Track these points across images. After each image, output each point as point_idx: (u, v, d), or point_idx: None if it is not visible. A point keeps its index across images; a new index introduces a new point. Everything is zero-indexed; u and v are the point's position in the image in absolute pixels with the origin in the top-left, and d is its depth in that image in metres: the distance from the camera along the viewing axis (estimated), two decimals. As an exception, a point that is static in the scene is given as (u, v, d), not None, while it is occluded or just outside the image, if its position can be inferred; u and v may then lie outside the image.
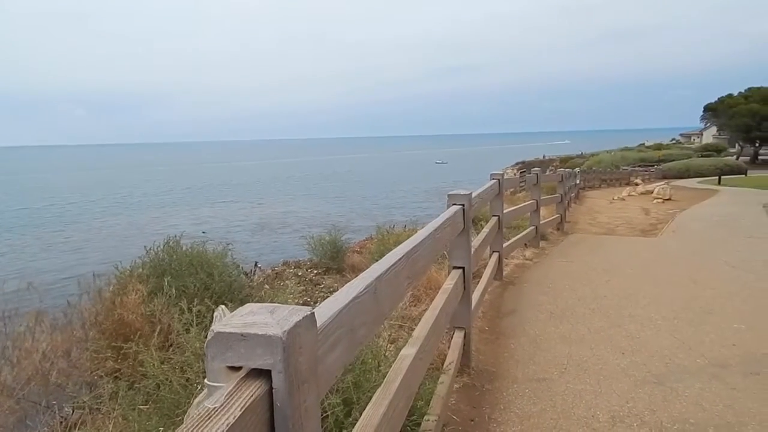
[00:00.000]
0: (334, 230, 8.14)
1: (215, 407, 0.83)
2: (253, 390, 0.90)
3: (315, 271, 7.59)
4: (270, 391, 0.93)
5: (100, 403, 2.63)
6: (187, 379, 2.10)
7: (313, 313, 1.05)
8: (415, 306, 4.53)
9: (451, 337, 3.46)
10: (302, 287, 5.72)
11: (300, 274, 7.32)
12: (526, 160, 40.95)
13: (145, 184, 54.97)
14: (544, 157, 42.04)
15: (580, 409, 3.02)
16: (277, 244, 20.50)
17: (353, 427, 1.65)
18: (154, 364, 2.12)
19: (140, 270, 4.18)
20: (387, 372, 2.46)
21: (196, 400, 1.04)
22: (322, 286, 6.39)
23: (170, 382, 2.05)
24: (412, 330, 3.84)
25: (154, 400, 2.22)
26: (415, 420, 2.42)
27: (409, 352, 2.14)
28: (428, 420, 2.41)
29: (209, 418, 0.81)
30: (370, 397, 2.20)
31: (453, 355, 3.23)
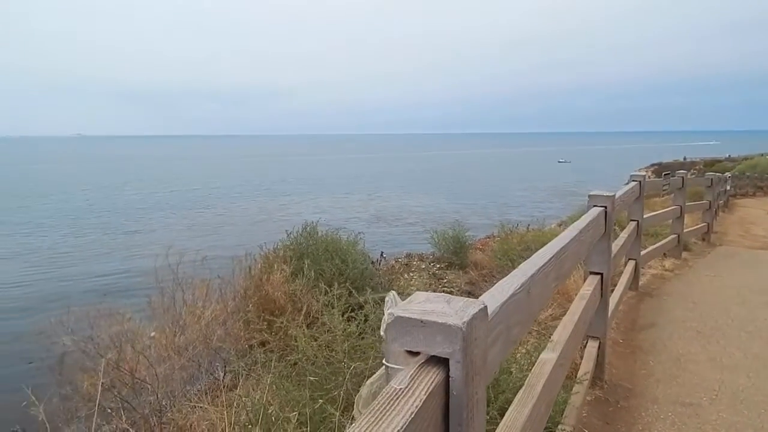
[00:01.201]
0: (457, 226, 8.06)
1: (401, 388, 0.87)
2: (433, 376, 0.92)
3: (438, 266, 7.63)
4: (447, 379, 0.95)
5: (251, 370, 2.92)
6: (329, 356, 2.24)
7: (486, 306, 1.05)
8: (542, 310, 4.35)
9: (584, 347, 3.28)
10: (426, 280, 5.79)
11: (423, 267, 7.39)
12: (663, 161, 37.06)
13: (273, 173, 59.34)
14: (684, 158, 37.70)
15: (736, 443, 2.70)
16: (391, 236, 20.93)
17: (495, 426, 1.63)
18: (305, 341, 2.29)
19: (282, 252, 4.54)
20: (520, 375, 2.40)
21: (369, 381, 1.10)
22: (445, 281, 6.37)
23: (317, 358, 2.21)
24: (541, 334, 3.70)
25: (297, 372, 2.41)
26: (549, 428, 2.33)
27: (549, 356, 2.07)
28: (563, 430, 2.32)
29: (397, 398, 0.85)
30: (507, 398, 2.17)
31: (587, 366, 3.06)
